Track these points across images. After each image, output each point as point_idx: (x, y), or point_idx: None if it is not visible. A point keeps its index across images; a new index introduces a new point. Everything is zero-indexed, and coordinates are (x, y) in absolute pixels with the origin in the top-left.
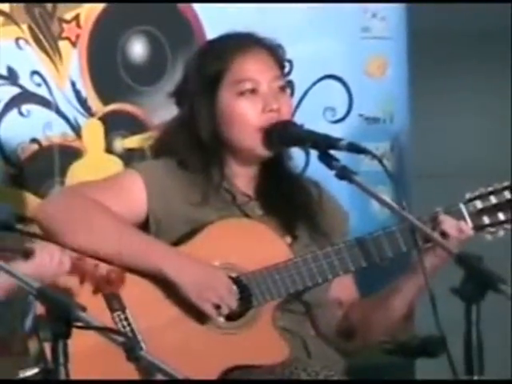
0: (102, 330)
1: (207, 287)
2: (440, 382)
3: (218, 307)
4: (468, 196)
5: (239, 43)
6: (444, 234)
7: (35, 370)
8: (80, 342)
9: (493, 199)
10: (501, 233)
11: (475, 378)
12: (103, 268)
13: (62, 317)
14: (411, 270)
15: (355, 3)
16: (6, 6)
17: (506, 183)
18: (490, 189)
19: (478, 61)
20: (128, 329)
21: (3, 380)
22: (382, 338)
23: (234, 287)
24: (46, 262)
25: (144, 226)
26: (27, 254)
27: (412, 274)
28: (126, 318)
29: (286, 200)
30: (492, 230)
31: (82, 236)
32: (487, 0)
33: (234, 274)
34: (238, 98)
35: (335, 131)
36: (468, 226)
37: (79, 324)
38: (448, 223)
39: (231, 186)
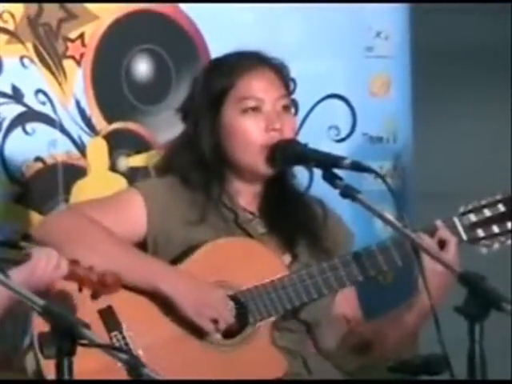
0: (106, 348)
1: (204, 303)
2: (440, 382)
3: (215, 322)
4: (462, 209)
5: (246, 61)
6: (442, 244)
7: None
8: (81, 362)
9: (487, 212)
10: (496, 245)
11: None
12: (98, 271)
13: (66, 334)
14: (419, 290)
15: (355, 3)
16: (10, 25)
17: (499, 196)
18: (484, 202)
19: (482, 79)
20: (125, 349)
21: (3, 380)
22: (398, 350)
23: (231, 303)
24: (43, 265)
25: (143, 244)
26: (24, 259)
27: (420, 294)
28: (124, 338)
29: (288, 218)
30: (487, 242)
31: (83, 256)
32: None
33: (230, 292)
34: (241, 116)
35: (339, 150)
36: (461, 239)
37: (83, 341)
38: (444, 231)
39: (233, 204)
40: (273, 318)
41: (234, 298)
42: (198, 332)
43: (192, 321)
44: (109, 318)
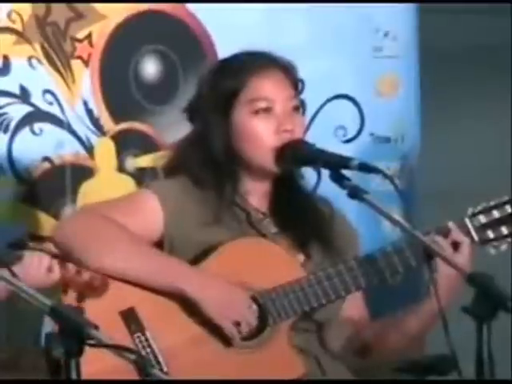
0: (114, 348)
1: (228, 305)
2: (441, 382)
3: (237, 325)
4: (471, 211)
5: (255, 62)
6: (455, 246)
7: None
8: (91, 362)
9: (495, 213)
10: (504, 246)
11: None
12: (86, 274)
13: (74, 335)
14: (426, 295)
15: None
16: (18, 25)
17: (506, 197)
18: (492, 203)
19: (492, 80)
20: (149, 350)
21: (3, 380)
22: (397, 355)
23: (254, 305)
24: (35, 268)
25: (158, 245)
26: (16, 260)
27: (427, 299)
28: (147, 340)
29: (299, 218)
30: (496, 243)
31: (105, 257)
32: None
33: (249, 293)
34: (252, 117)
35: (346, 150)
36: (473, 240)
37: (91, 342)
38: (458, 233)
39: (245, 203)
40: (291, 320)
41: (252, 299)
42: (217, 334)
43: (214, 323)
44: (131, 319)
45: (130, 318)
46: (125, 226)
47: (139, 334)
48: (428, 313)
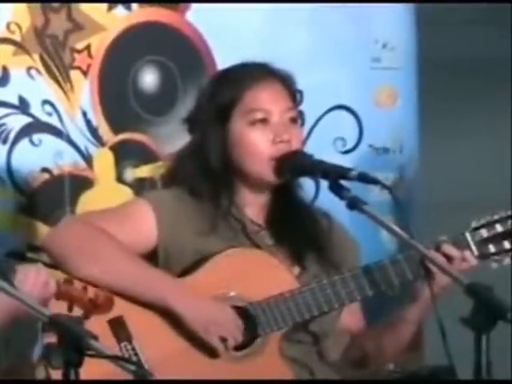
0: (114, 359)
1: (213, 321)
2: (441, 382)
3: (224, 340)
4: (474, 224)
5: (253, 73)
6: (448, 258)
7: None
8: (89, 372)
9: (498, 227)
10: (506, 261)
11: None
12: (91, 292)
13: (73, 345)
14: (413, 298)
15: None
16: (17, 36)
17: (510, 211)
18: (496, 217)
19: (489, 91)
20: (135, 359)
21: (3, 380)
22: (391, 363)
23: (240, 321)
24: (31, 281)
25: (152, 255)
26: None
27: (414, 302)
28: (133, 348)
29: (296, 230)
30: (497, 258)
31: (91, 267)
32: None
33: (240, 304)
34: (249, 128)
35: (345, 161)
36: (473, 255)
37: (91, 352)
38: (451, 248)
39: (241, 215)
40: (282, 330)
41: (244, 310)
42: (205, 344)
43: (201, 338)
44: (119, 328)
45: (118, 326)
46: (115, 237)
47: (126, 343)
48: (414, 317)
